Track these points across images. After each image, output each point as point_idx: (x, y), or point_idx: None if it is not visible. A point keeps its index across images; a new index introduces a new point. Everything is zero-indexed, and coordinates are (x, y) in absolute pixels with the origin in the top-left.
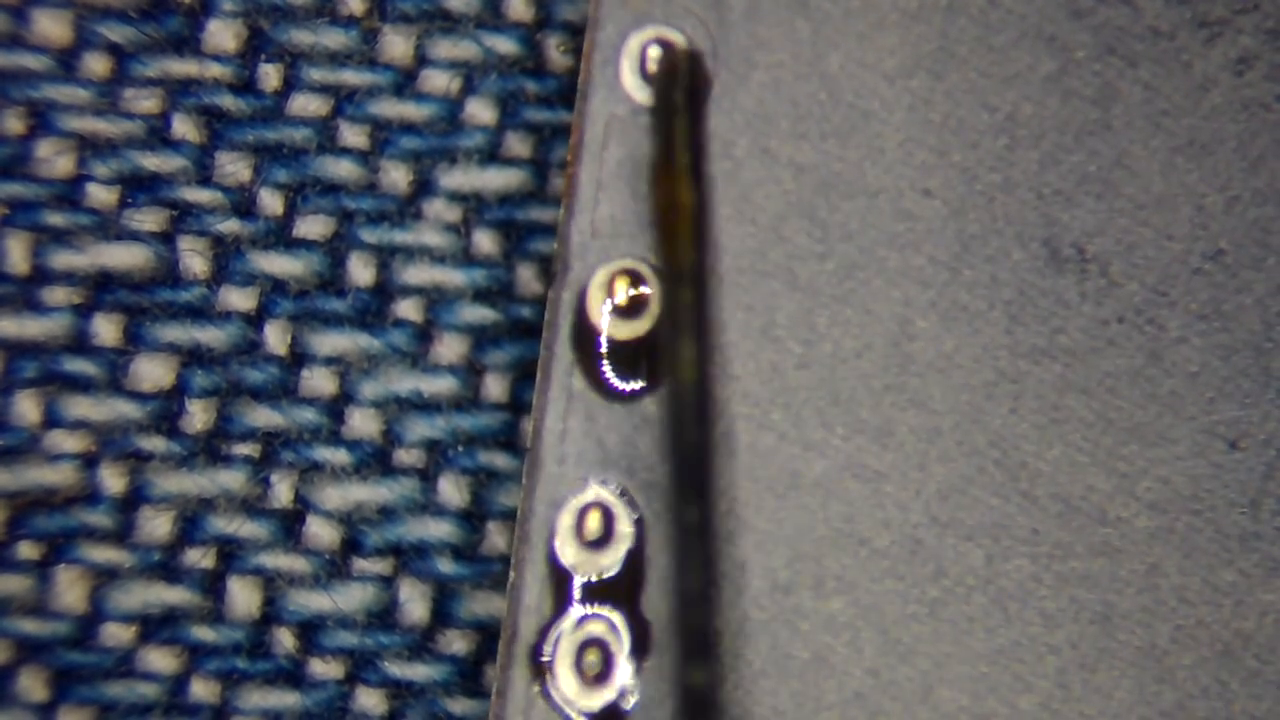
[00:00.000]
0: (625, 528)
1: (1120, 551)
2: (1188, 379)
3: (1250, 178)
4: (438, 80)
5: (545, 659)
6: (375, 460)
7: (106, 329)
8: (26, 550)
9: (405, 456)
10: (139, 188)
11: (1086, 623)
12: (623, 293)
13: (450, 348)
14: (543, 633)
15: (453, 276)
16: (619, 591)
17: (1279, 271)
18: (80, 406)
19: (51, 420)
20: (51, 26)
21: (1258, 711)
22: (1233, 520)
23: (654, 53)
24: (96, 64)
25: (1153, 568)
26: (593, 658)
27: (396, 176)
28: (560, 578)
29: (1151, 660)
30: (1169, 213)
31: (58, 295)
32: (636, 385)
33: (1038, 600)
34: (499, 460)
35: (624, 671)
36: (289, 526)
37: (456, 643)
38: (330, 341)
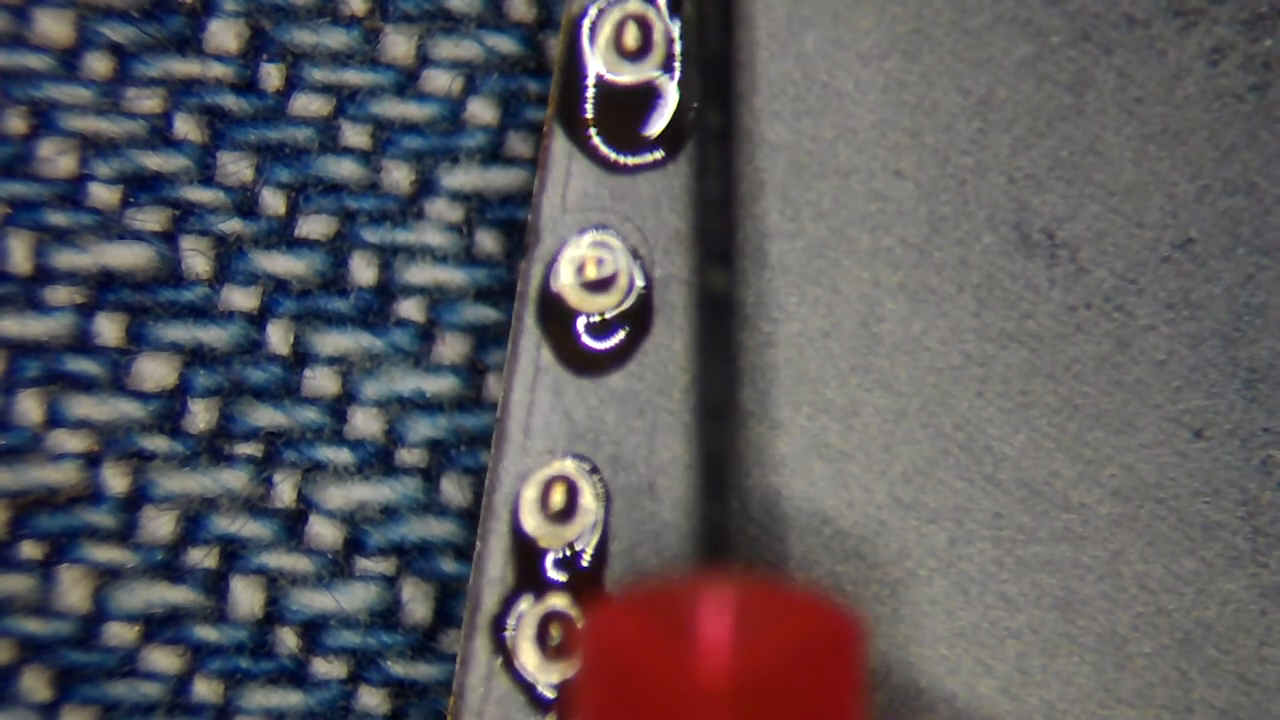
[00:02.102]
0: (589, 502)
1: (1083, 538)
2: (1154, 367)
3: (1221, 167)
4: (439, 80)
5: (508, 632)
6: (378, 460)
7: (109, 328)
8: (29, 550)
9: (408, 456)
10: (141, 187)
11: (1047, 608)
12: (592, 266)
13: (452, 347)
14: (506, 603)
15: (455, 276)
16: (583, 564)
17: (1248, 261)
18: (82, 406)
19: (54, 420)
20: (53, 26)
21: (1216, 700)
22: (1196, 509)
23: (631, 26)
24: (98, 63)
25: (1115, 554)
26: (555, 631)
27: (398, 176)
28: (524, 549)
29: (1112, 647)
30: (1140, 200)
31: (60, 295)
32: (607, 345)
33: (999, 584)
34: None
35: None
36: (291, 526)
37: (459, 642)
38: (332, 341)
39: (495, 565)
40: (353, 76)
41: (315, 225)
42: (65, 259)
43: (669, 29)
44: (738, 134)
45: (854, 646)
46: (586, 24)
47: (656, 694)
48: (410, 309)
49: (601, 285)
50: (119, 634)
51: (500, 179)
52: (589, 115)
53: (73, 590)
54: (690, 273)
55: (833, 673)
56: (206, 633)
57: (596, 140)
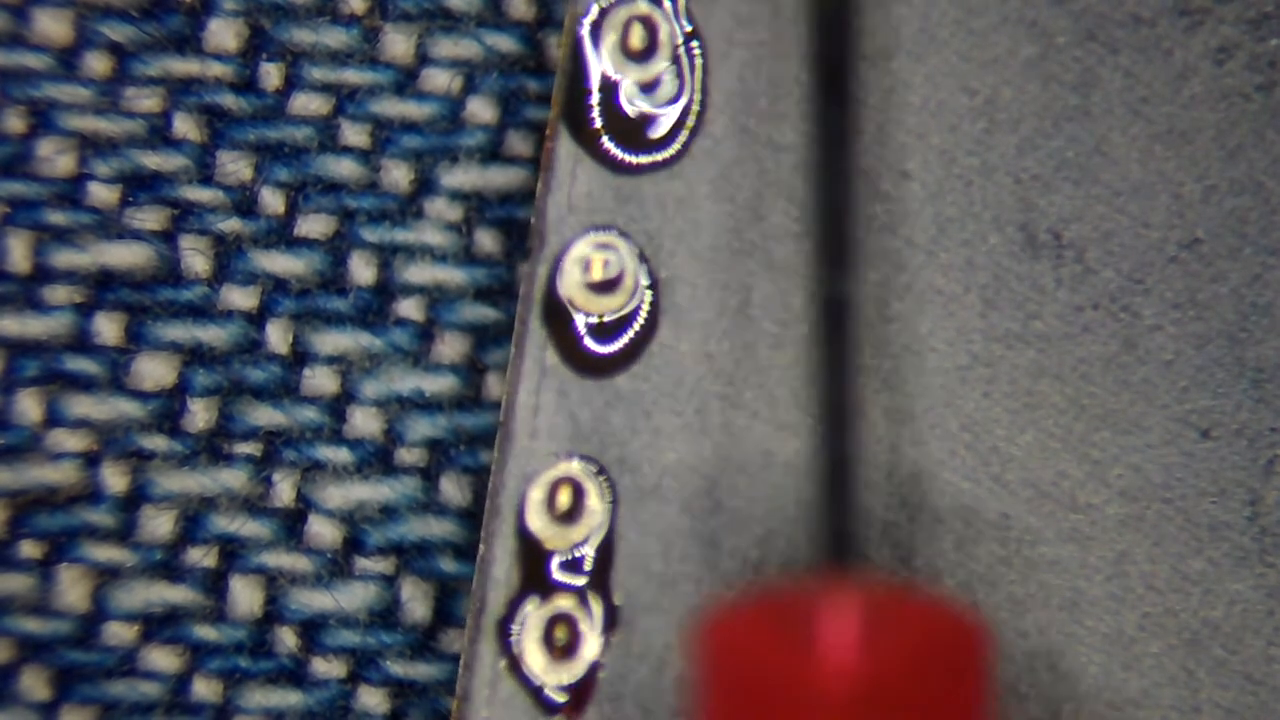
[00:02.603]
0: (595, 503)
1: (1090, 538)
2: (1161, 367)
3: (1227, 167)
4: (439, 79)
5: (514, 635)
6: (377, 459)
7: (108, 328)
8: (28, 549)
9: (407, 455)
10: (140, 186)
11: (1055, 609)
12: (598, 268)
13: (452, 346)
14: (511, 606)
15: (454, 275)
16: (588, 566)
17: (1254, 261)
18: (82, 405)
19: (53, 419)
20: (52, 25)
21: (1223, 700)
22: (1203, 509)
23: (637, 27)
24: (97, 63)
25: (1122, 555)
26: (561, 633)
27: (398, 175)
28: (530, 551)
29: (1119, 648)
30: (1146, 200)
31: (59, 294)
32: (613, 347)
33: (1007, 585)
34: None
35: (592, 646)
36: (291, 525)
37: (458, 642)
38: (332, 340)
39: (500, 567)
40: (352, 75)
41: (314, 224)
42: (64, 258)
43: (674, 30)
44: (857, 136)
45: (979, 653)
46: (590, 24)
47: (778, 700)
48: (410, 308)
49: (607, 286)
50: (118, 633)
51: (500, 178)
52: (594, 117)
53: (72, 589)
54: (811, 280)
55: (957, 680)
56: (206, 632)
57: (602, 141)
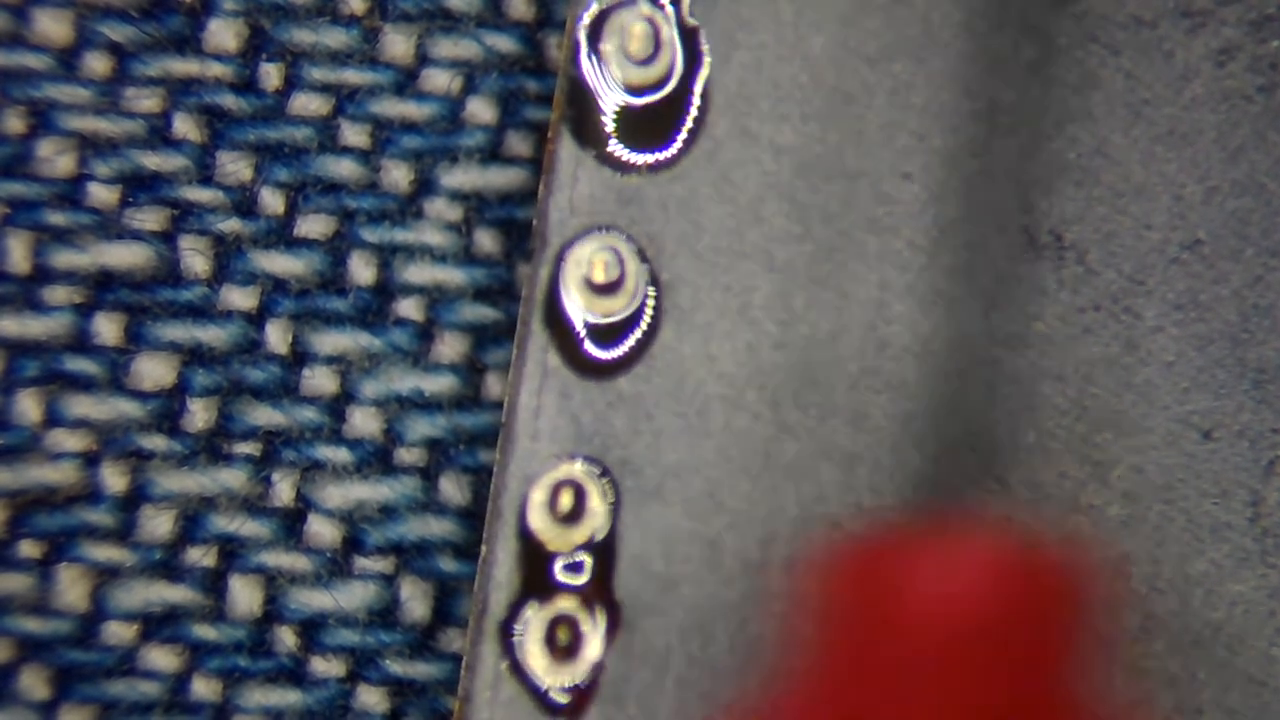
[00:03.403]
0: (597, 505)
1: (1092, 539)
2: (1163, 368)
3: (1229, 168)
4: (439, 79)
5: (515, 636)
6: (376, 459)
7: (108, 328)
8: (28, 549)
9: (406, 455)
10: (140, 187)
11: None
12: (599, 269)
13: (451, 346)
14: (513, 608)
15: (454, 275)
16: (590, 568)
17: (1256, 263)
18: (81, 405)
19: (53, 419)
20: (52, 25)
21: (1226, 702)
22: (1205, 510)
23: (638, 29)
24: (97, 63)
25: (1124, 556)
26: (563, 634)
27: (397, 175)
28: (531, 553)
29: (1121, 649)
30: (1147, 202)
31: (59, 294)
32: (616, 348)
33: None
34: None
35: (594, 648)
36: (290, 525)
37: (458, 641)
38: (331, 340)
39: (502, 569)
40: (352, 76)
41: (314, 225)
42: (64, 259)
43: (675, 32)
44: None
45: (1073, 596)
46: (591, 26)
47: (874, 636)
48: (409, 308)
49: (609, 288)
50: (118, 633)
51: (499, 178)
52: (596, 119)
53: (71, 589)
54: None
55: (1051, 621)
56: (205, 631)
57: (604, 143)
